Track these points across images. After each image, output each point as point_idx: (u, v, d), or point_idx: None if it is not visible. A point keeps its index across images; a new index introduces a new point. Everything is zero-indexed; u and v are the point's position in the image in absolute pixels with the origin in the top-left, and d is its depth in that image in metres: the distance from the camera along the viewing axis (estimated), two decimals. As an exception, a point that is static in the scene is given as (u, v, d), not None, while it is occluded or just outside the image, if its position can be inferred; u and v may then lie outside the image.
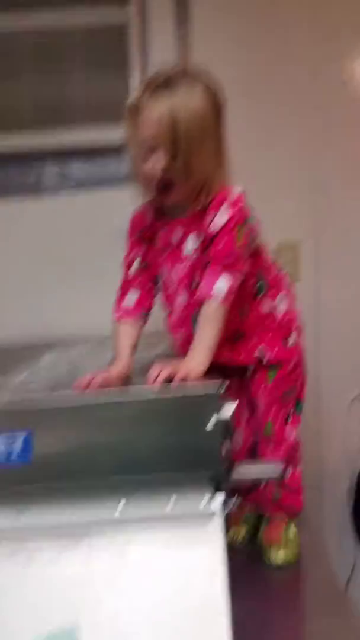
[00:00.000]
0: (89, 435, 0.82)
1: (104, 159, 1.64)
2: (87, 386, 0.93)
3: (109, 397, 0.88)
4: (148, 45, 1.58)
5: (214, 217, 1.00)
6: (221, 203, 1.01)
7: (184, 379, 0.89)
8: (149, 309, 1.13)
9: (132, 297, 1.11)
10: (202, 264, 1.03)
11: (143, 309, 1.12)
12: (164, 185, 0.99)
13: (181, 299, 1.08)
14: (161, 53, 1.57)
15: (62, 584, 0.79)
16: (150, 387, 0.88)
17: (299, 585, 1.14)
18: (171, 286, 1.09)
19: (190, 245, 1.04)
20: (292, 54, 1.59)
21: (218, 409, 0.81)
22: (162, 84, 0.96)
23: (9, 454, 0.80)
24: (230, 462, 0.86)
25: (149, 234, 1.11)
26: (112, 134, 1.52)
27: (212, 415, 0.80)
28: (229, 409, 0.81)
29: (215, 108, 0.99)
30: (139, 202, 1.10)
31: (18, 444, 0.80)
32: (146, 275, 1.12)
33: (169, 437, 0.81)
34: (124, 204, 1.58)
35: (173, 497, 0.79)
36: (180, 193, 1.01)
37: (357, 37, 1.62)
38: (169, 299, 1.10)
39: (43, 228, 1.65)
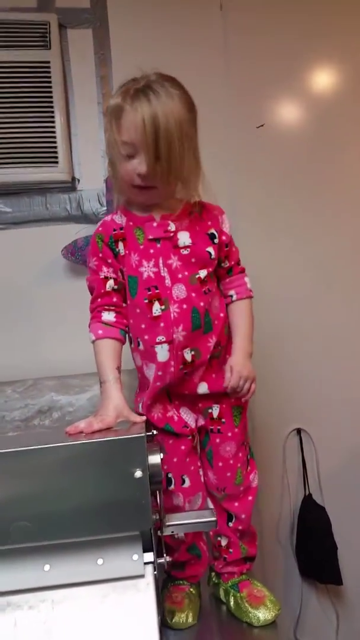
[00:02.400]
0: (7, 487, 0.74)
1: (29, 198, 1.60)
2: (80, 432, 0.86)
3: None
4: (70, 86, 1.59)
5: (221, 227, 1.10)
6: (221, 215, 1.11)
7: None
8: (125, 330, 1.07)
9: (109, 315, 1.05)
10: (202, 262, 1.06)
11: (123, 327, 1.06)
12: (144, 187, 1.00)
13: (179, 292, 1.04)
14: (82, 92, 1.58)
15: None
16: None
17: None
18: (165, 278, 1.03)
19: (184, 240, 1.05)
20: (209, 98, 1.61)
21: (145, 454, 0.74)
22: (142, 88, 0.95)
23: None
24: (161, 515, 0.80)
25: (121, 235, 1.06)
26: (37, 174, 1.52)
27: (139, 461, 0.74)
28: (157, 455, 0.76)
29: (191, 113, 1.00)
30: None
31: None
32: (120, 295, 1.06)
33: (94, 487, 0.74)
34: (50, 242, 1.57)
35: (100, 561, 0.72)
36: (161, 194, 1.03)
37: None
38: (163, 293, 1.03)
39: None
